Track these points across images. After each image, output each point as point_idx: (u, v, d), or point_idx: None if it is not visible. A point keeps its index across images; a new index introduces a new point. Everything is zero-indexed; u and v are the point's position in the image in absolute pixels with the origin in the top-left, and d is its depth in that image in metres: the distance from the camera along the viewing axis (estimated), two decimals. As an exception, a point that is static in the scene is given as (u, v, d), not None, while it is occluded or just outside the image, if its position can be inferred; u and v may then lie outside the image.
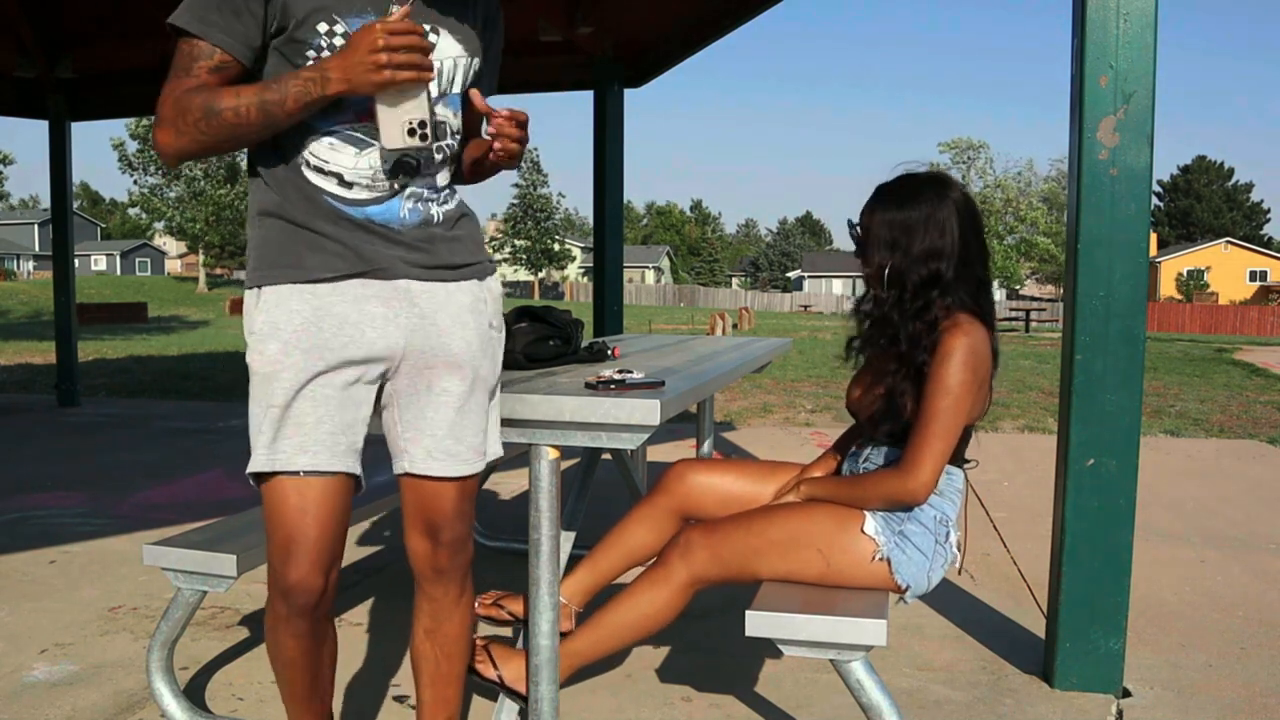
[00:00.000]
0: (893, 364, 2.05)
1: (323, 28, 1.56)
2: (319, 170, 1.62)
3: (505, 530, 4.05)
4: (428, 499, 1.76)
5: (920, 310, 2.01)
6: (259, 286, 1.65)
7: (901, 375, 2.03)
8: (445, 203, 1.74)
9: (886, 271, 2.04)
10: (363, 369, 1.66)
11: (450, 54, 1.69)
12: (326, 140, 1.62)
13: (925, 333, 2.00)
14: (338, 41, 1.57)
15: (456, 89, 1.72)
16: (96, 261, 63.12)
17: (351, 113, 1.61)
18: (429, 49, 1.54)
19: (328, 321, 1.63)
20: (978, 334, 1.97)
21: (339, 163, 1.62)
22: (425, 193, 1.70)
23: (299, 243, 1.63)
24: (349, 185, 1.63)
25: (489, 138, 1.72)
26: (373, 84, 1.50)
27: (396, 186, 1.66)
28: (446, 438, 1.72)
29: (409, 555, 1.81)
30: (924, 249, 2.01)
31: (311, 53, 1.57)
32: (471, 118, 1.83)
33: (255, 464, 1.63)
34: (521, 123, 1.70)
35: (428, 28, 1.64)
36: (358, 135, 1.63)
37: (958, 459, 2.09)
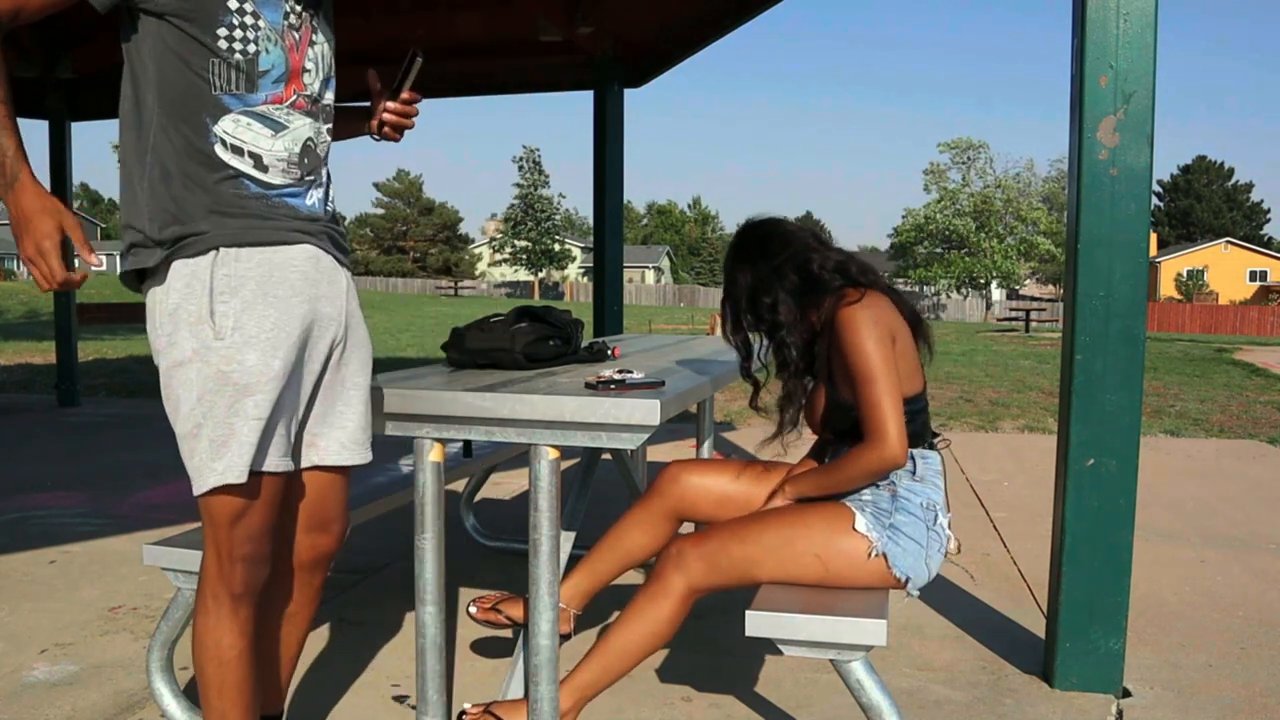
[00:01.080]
0: (811, 372, 2.19)
1: (233, 4, 1.58)
2: (235, 150, 1.62)
3: (505, 530, 4.05)
4: (325, 490, 1.83)
5: (782, 327, 2.16)
6: (216, 248, 1.60)
7: (824, 373, 2.14)
8: (329, 186, 1.81)
9: (746, 326, 2.22)
10: (314, 369, 1.73)
11: (326, 39, 1.76)
12: (244, 120, 1.62)
13: (806, 329, 2.16)
14: (248, 20, 1.59)
15: (331, 72, 1.79)
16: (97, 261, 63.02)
17: (266, 93, 1.64)
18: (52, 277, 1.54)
19: (293, 326, 1.65)
20: (865, 297, 2.02)
21: (256, 144, 1.63)
22: (322, 180, 1.77)
23: (230, 214, 1.63)
24: (265, 168, 1.65)
25: (386, 122, 1.93)
26: (19, 248, 1.54)
27: (305, 175, 1.71)
28: (358, 429, 1.82)
29: (294, 549, 1.84)
30: (746, 290, 2.18)
31: (223, 31, 1.57)
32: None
33: (231, 474, 1.60)
34: (417, 101, 1.94)
35: (311, 14, 1.71)
36: (273, 117, 1.65)
37: (925, 440, 2.10)
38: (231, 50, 1.59)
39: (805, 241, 2.18)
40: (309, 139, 1.71)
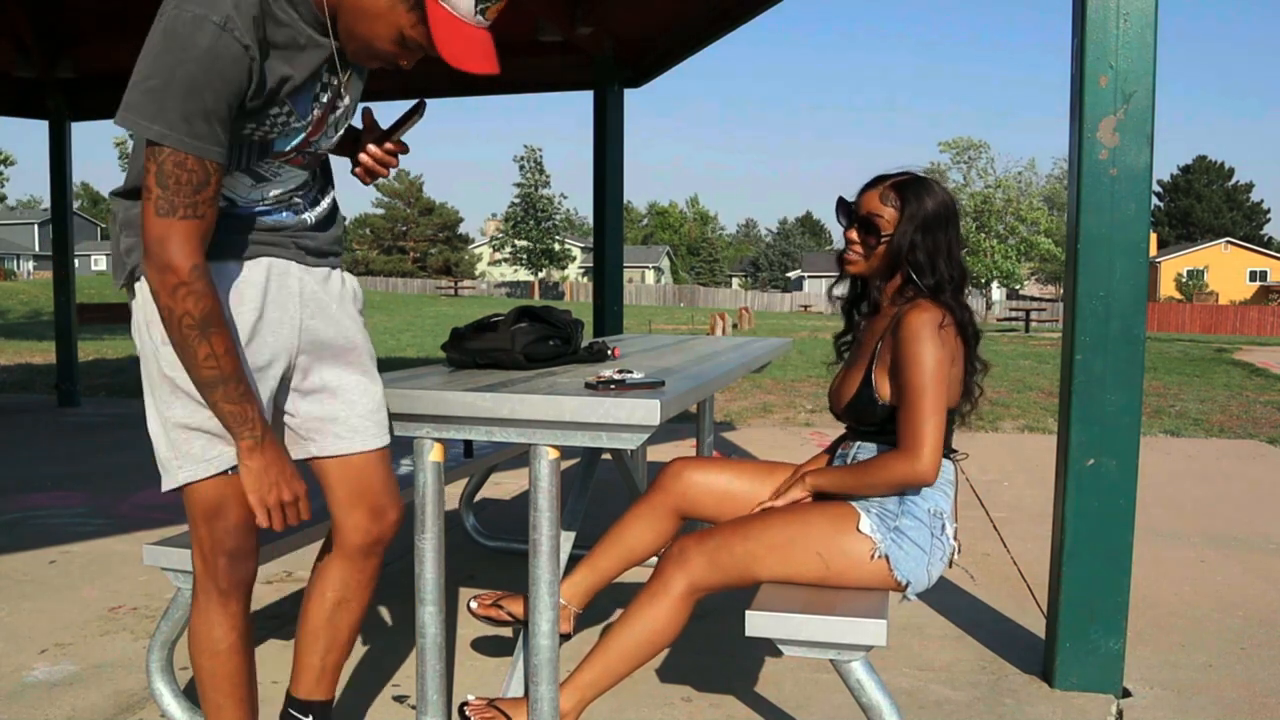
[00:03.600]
0: (864, 350, 2.14)
1: (274, 110, 1.58)
2: None
3: (505, 530, 4.05)
4: (361, 473, 1.83)
5: (903, 291, 2.10)
6: None
7: (872, 359, 2.09)
8: (321, 196, 1.82)
9: (900, 254, 2.08)
10: (276, 371, 1.73)
11: (355, 95, 1.76)
12: (230, 170, 1.63)
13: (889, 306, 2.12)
14: (280, 119, 1.60)
15: (348, 122, 1.80)
16: (96, 261, 63.10)
17: (264, 151, 1.64)
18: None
19: (238, 333, 1.65)
20: (939, 312, 2.00)
21: (233, 190, 1.65)
22: (301, 203, 1.77)
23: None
24: (235, 204, 1.68)
25: (365, 164, 1.85)
26: (250, 500, 1.62)
27: (277, 202, 1.72)
28: (352, 415, 1.82)
29: (344, 531, 1.86)
30: (934, 244, 2.07)
31: (252, 125, 1.57)
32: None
33: (185, 475, 1.65)
34: (404, 153, 1.86)
35: (347, 76, 1.70)
36: (259, 171, 1.66)
37: (945, 449, 2.09)
38: (252, 135, 1.60)
39: (957, 247, 2.12)
40: (294, 185, 1.74)
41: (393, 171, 1.92)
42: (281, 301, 1.72)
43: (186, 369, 1.53)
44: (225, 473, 1.66)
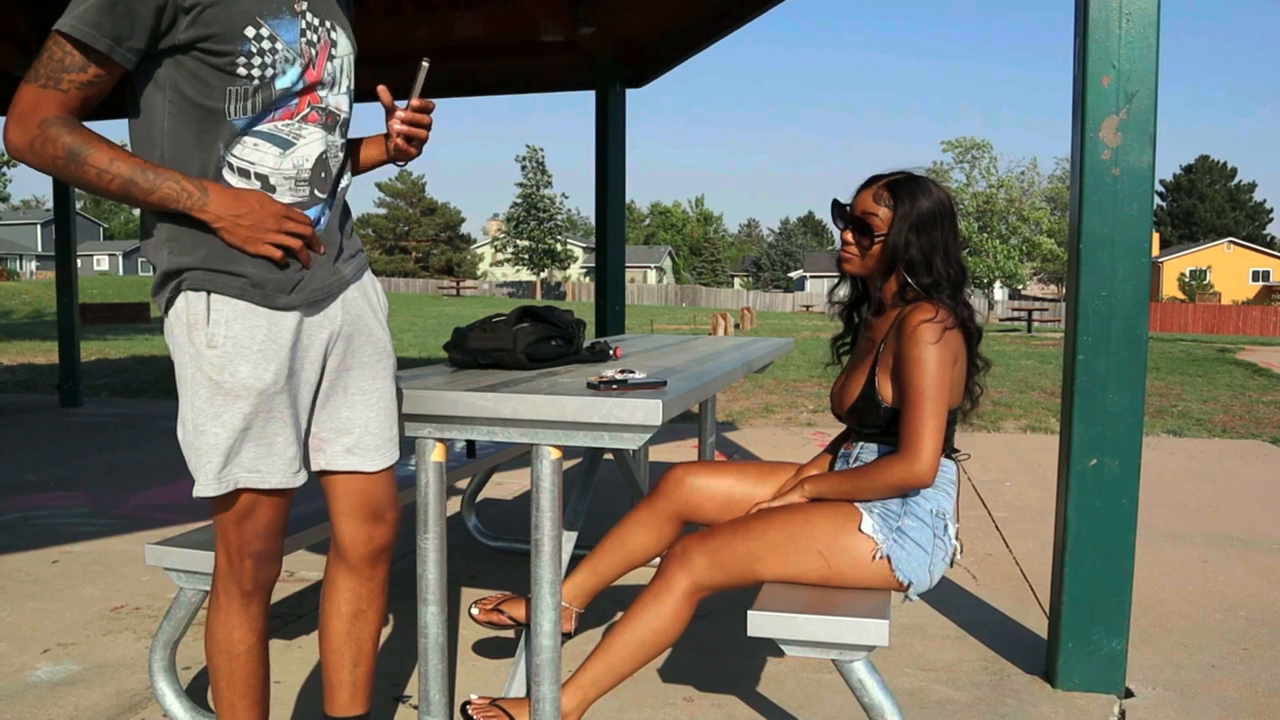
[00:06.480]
0: (867, 352, 2.14)
1: (250, 32, 1.55)
2: (243, 174, 1.61)
3: (507, 530, 4.05)
4: (366, 486, 1.83)
5: (903, 292, 2.10)
6: (206, 291, 1.61)
7: (875, 361, 2.09)
8: (341, 198, 1.79)
9: (895, 254, 2.07)
10: (309, 377, 1.73)
11: (346, 51, 1.74)
12: (251, 141, 1.61)
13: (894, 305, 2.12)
14: (265, 45, 1.56)
15: (351, 82, 1.77)
16: (99, 261, 63.22)
17: (278, 110, 1.61)
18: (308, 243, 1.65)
19: (284, 338, 1.65)
20: (941, 313, 2.00)
21: (262, 163, 1.62)
22: (336, 195, 1.75)
23: (243, 257, 1.62)
24: (273, 189, 1.64)
25: (396, 133, 1.83)
26: (251, 250, 1.58)
27: (317, 191, 1.69)
28: (365, 434, 1.81)
29: (344, 544, 1.86)
30: (929, 243, 2.07)
31: (241, 59, 1.55)
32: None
33: (227, 483, 1.63)
34: (429, 110, 1.84)
35: (330, 24, 1.68)
36: (282, 135, 1.63)
37: (946, 449, 2.09)
38: (250, 77, 1.57)
39: (956, 248, 2.11)
40: (322, 153, 1.69)
41: (414, 158, 1.90)
42: (323, 304, 1.73)
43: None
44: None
